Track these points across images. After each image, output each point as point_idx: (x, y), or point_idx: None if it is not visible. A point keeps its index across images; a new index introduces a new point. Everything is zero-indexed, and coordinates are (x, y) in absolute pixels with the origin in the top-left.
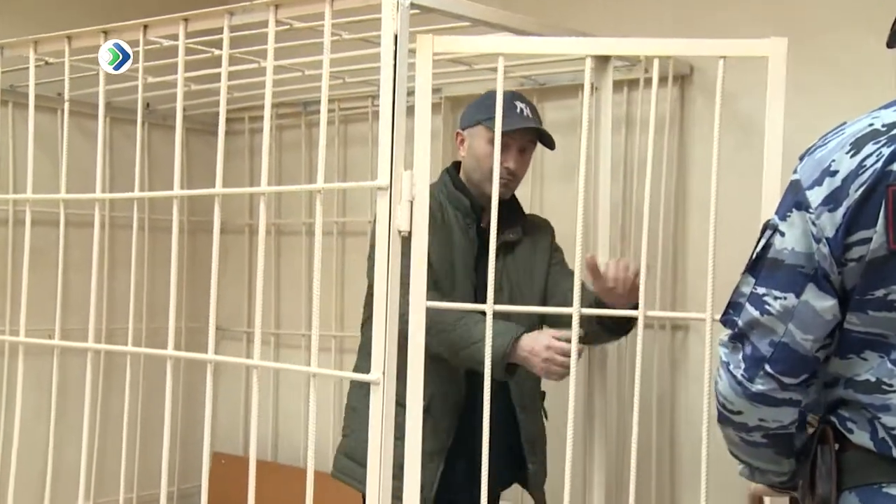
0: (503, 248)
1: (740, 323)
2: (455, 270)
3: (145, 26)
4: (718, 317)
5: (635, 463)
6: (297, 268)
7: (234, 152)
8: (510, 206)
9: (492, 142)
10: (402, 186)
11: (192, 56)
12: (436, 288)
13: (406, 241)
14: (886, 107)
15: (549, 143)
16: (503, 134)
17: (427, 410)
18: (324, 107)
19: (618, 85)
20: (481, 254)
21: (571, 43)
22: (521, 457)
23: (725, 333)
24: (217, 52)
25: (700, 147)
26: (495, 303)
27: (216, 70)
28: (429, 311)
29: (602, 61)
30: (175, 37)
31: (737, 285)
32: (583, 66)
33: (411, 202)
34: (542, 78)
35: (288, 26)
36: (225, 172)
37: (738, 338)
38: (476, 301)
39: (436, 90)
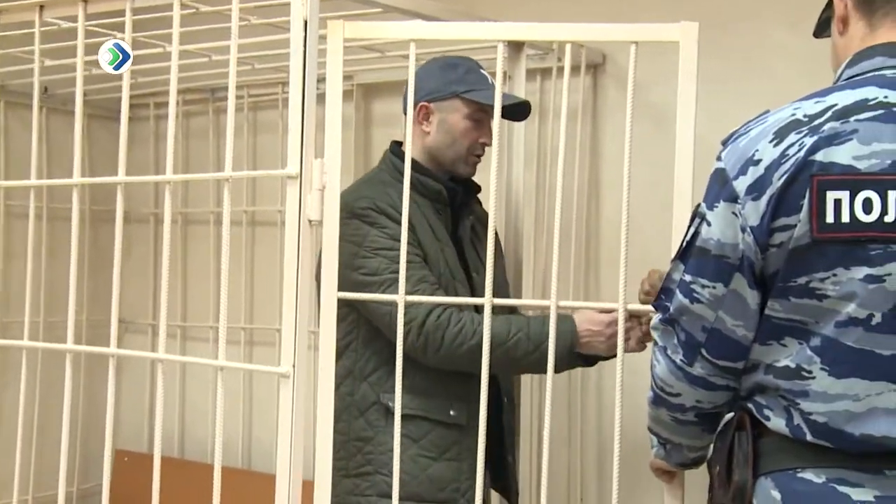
0: (473, 232)
1: (671, 308)
2: (451, 268)
3: (41, 6)
4: (630, 306)
5: (547, 452)
6: (204, 258)
7: (139, 139)
8: (471, 181)
9: (471, 117)
10: (313, 175)
11: (93, 39)
12: (447, 293)
13: (318, 228)
14: (808, 98)
15: (521, 117)
16: (482, 109)
17: (466, 427)
18: (231, 93)
19: (531, 74)
20: (459, 240)
21: (484, 28)
22: (500, 453)
23: (657, 317)
24: (119, 35)
25: (613, 136)
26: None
27: None
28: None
29: (515, 49)
30: (74, 18)
31: (668, 271)
32: (495, 54)
33: (322, 190)
34: None
35: (194, 10)
36: (129, 160)
37: (670, 322)
38: (473, 294)
39: (347, 77)
